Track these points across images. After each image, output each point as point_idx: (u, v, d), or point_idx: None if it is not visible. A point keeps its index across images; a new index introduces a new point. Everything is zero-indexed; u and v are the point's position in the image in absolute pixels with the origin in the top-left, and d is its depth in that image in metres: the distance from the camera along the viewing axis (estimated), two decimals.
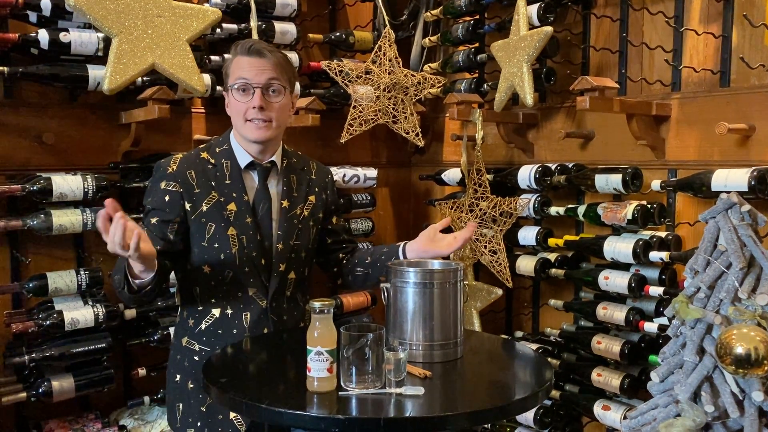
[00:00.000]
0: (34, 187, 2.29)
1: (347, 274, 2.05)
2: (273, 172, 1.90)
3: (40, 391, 2.30)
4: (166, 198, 1.79)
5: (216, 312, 1.82)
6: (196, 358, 1.82)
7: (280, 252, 1.85)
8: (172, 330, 2.55)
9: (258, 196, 1.85)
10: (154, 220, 1.80)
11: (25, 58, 2.36)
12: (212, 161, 1.84)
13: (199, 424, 1.79)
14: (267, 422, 1.51)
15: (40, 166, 2.46)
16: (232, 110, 1.84)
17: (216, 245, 1.80)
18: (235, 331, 1.82)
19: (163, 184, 1.80)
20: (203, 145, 1.92)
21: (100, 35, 2.36)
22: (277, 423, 1.46)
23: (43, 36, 2.29)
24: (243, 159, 1.85)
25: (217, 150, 1.86)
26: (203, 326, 1.83)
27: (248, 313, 1.83)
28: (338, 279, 2.07)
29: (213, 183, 1.82)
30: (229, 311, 1.82)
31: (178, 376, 1.85)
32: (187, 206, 1.79)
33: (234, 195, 1.82)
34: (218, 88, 2.68)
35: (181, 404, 1.83)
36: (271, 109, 1.79)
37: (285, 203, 1.88)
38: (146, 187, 1.89)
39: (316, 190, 1.99)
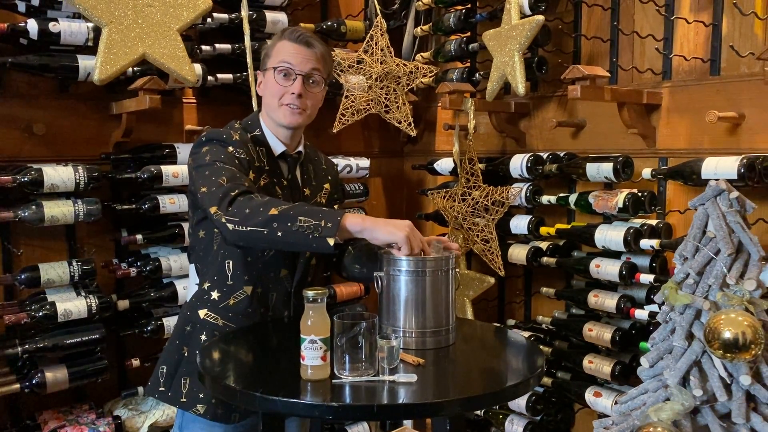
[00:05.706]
0: (25, 178, 2.28)
1: (346, 267, 2.04)
2: (297, 161, 1.93)
3: (34, 382, 2.30)
4: (236, 162, 1.75)
5: (248, 290, 1.82)
6: (216, 333, 1.80)
7: None
8: (165, 321, 2.55)
9: (291, 185, 1.88)
10: (231, 167, 1.71)
11: (13, 48, 2.35)
12: (252, 143, 1.84)
13: (212, 400, 1.76)
14: (262, 410, 1.52)
15: (30, 157, 2.44)
16: (267, 91, 1.83)
17: None
18: (263, 310, 1.83)
19: (230, 149, 1.76)
20: (236, 125, 1.87)
21: (90, 25, 2.34)
22: (271, 411, 1.46)
23: (32, 26, 2.28)
24: (277, 147, 1.86)
25: (249, 135, 1.85)
26: (231, 302, 1.81)
27: (275, 294, 1.85)
28: (340, 271, 2.05)
29: (258, 164, 1.82)
30: (259, 290, 1.83)
31: (186, 349, 1.82)
32: (251, 175, 1.77)
33: (275, 180, 1.84)
34: (209, 78, 2.67)
35: (189, 378, 1.80)
36: (308, 97, 1.82)
37: (307, 191, 1.92)
38: (198, 155, 1.76)
39: (329, 179, 2.03)
